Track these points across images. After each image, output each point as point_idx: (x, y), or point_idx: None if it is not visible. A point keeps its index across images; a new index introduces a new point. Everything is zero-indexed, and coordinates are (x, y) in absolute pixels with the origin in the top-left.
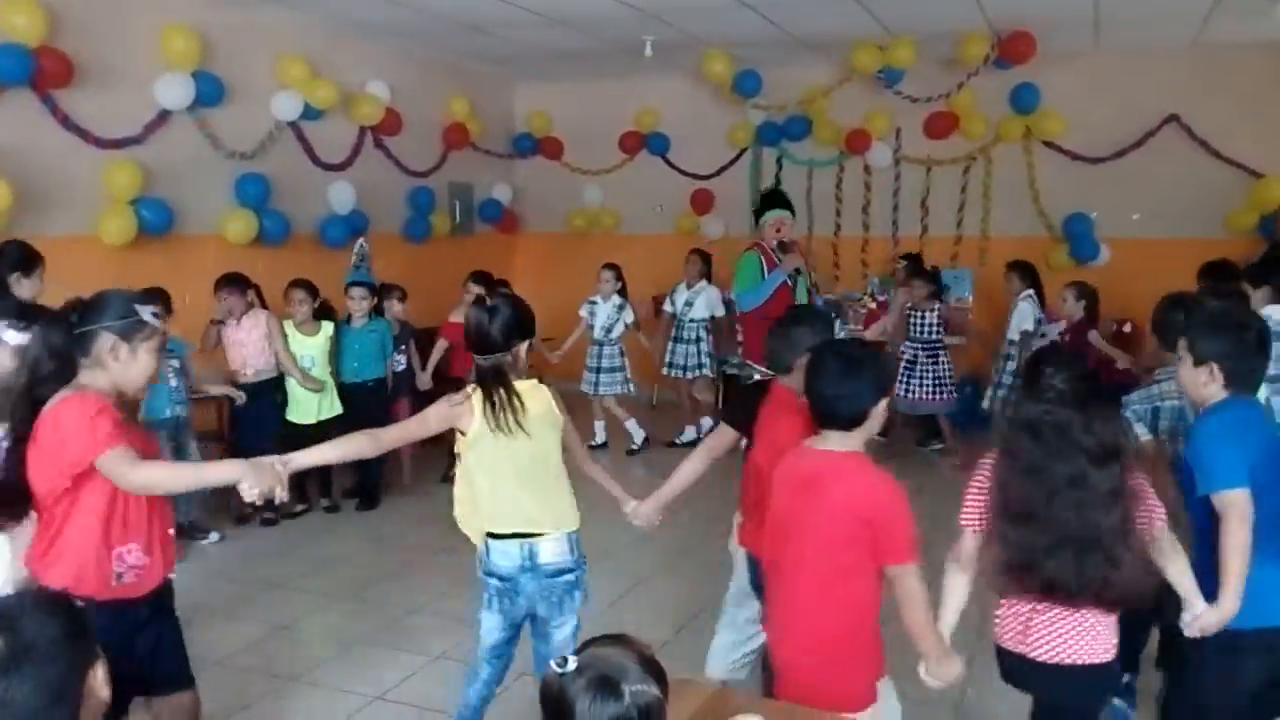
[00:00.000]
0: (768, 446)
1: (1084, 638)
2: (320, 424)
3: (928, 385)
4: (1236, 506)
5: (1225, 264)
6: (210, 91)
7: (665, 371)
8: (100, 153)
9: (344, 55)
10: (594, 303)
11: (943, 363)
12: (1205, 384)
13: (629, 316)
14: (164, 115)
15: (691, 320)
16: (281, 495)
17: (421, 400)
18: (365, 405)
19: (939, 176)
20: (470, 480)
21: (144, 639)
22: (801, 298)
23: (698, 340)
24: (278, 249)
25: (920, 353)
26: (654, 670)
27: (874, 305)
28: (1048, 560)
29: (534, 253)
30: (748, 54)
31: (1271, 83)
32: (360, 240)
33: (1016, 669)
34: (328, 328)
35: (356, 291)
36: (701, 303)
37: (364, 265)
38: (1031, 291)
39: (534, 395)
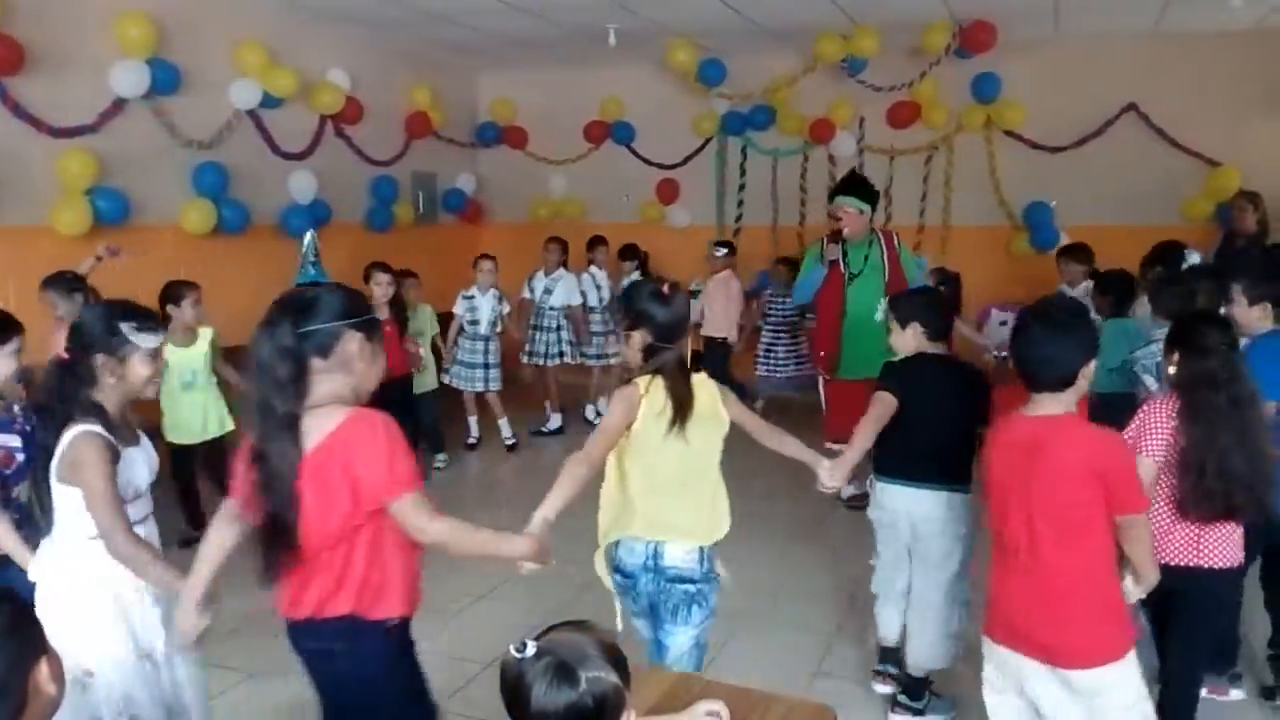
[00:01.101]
0: None
1: (1238, 543)
2: (209, 443)
3: (791, 365)
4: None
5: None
6: (166, 79)
7: (524, 359)
8: (53, 141)
9: (303, 43)
10: (471, 296)
11: (800, 342)
12: (1259, 319)
13: (505, 307)
14: (119, 103)
15: (551, 308)
16: (551, 563)
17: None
18: None
19: (902, 166)
20: (624, 482)
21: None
22: (869, 296)
23: (558, 329)
24: (237, 239)
25: (782, 334)
26: (614, 658)
27: None
28: (1233, 487)
29: (499, 243)
30: (712, 43)
31: (1228, 72)
32: (310, 234)
33: (1183, 579)
34: (207, 334)
35: None
36: (560, 290)
37: (317, 263)
38: None
39: (701, 391)
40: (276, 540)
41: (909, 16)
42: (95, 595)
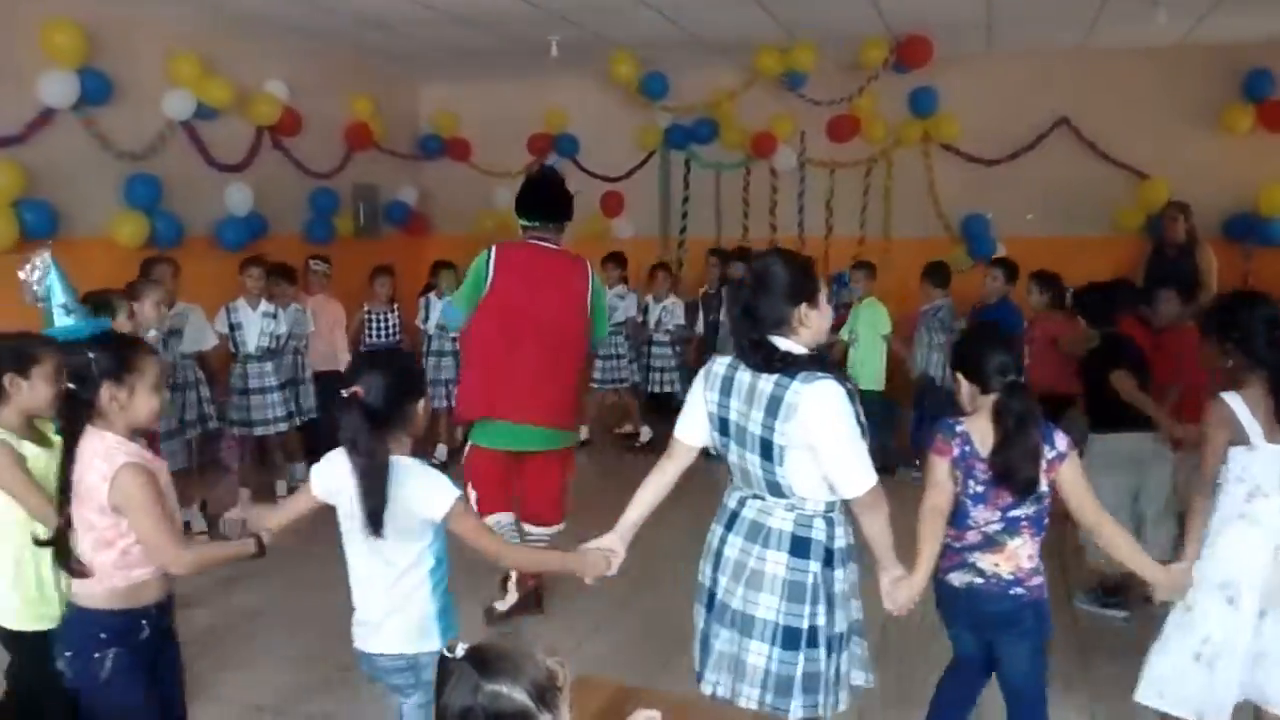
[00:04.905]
0: None
1: None
2: None
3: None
4: None
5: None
6: (97, 89)
7: None
8: None
9: (240, 53)
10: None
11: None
12: None
13: (279, 327)
14: (48, 114)
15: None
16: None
17: None
18: None
19: (842, 179)
20: None
21: None
22: None
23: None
24: (171, 252)
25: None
26: (534, 680)
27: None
28: None
29: (444, 255)
30: (654, 56)
31: (1155, 86)
32: (42, 259)
33: None
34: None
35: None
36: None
37: (75, 307)
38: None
39: None
40: None
41: (846, 31)
42: None
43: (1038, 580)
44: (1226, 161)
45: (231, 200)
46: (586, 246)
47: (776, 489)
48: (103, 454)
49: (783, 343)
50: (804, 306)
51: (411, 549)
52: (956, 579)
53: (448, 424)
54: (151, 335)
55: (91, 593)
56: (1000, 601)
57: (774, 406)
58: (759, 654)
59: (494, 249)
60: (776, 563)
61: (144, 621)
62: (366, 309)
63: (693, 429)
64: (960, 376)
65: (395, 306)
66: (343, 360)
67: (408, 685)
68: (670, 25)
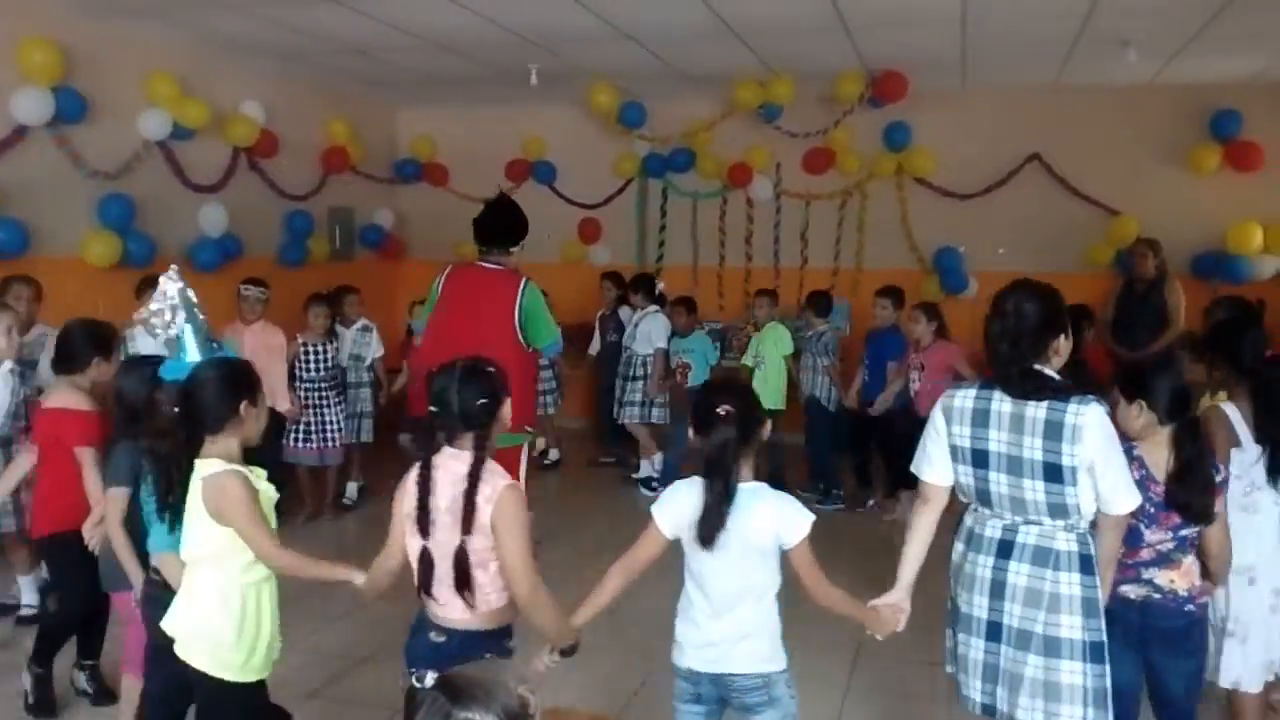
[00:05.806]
0: None
1: None
2: None
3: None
4: None
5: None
6: (72, 107)
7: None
8: None
9: (217, 74)
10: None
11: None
12: None
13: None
14: (20, 131)
15: None
16: None
17: None
18: None
19: (817, 210)
20: None
21: None
22: None
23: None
24: (143, 273)
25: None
26: (506, 710)
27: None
28: None
29: (419, 280)
30: (632, 86)
31: (1125, 124)
32: (173, 281)
33: None
34: None
35: None
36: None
37: (219, 344)
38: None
39: None
40: None
41: (823, 65)
42: None
43: (1205, 599)
44: (1194, 200)
45: (206, 221)
46: (564, 272)
47: (1061, 511)
48: (470, 474)
49: (1045, 370)
50: (1061, 337)
51: (766, 570)
52: (1132, 591)
53: (359, 460)
54: (5, 368)
55: (469, 616)
56: (1175, 618)
57: (1055, 431)
58: (1072, 672)
59: (446, 270)
60: (1071, 583)
61: (505, 642)
62: (301, 340)
63: (940, 470)
64: (1141, 405)
65: (334, 339)
66: (280, 396)
67: (760, 703)
68: (650, 57)
